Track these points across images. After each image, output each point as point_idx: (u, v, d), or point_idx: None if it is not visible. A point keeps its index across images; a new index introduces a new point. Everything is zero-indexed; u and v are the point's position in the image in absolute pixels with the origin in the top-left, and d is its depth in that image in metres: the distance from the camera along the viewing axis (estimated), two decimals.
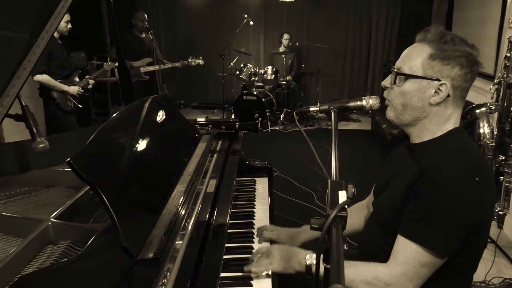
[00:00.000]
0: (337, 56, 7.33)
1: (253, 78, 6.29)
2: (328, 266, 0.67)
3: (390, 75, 1.24)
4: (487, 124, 2.25)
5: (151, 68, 5.14)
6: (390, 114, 1.27)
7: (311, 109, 1.32)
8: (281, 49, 6.81)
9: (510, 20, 2.06)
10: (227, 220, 1.32)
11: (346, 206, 0.65)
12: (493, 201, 1.16)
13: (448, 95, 1.16)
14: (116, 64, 4.26)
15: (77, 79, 4.01)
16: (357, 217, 1.57)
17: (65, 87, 3.85)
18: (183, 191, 1.36)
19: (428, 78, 1.15)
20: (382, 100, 1.28)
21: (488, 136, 2.25)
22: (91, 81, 4.11)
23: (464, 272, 1.21)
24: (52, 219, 1.25)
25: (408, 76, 1.18)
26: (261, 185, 2.09)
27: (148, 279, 0.94)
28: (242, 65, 6.32)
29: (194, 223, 1.24)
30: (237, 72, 6.32)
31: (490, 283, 2.58)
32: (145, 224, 1.12)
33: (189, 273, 1.01)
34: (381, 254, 1.18)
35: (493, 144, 2.23)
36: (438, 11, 6.49)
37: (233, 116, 6.38)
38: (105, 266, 1.02)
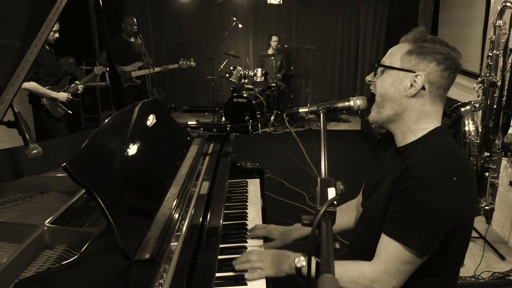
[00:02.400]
0: (326, 57, 7.40)
1: (243, 81, 6.32)
2: (319, 260, 0.70)
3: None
4: (471, 122, 2.31)
5: (142, 72, 5.15)
6: (372, 114, 1.31)
7: (300, 110, 1.35)
8: (270, 51, 6.86)
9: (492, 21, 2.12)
10: (221, 221, 1.35)
11: (335, 202, 0.68)
12: (473, 201, 1.19)
13: (424, 88, 1.20)
14: (107, 68, 4.26)
15: (67, 85, 4.01)
16: (347, 216, 1.61)
17: (53, 94, 3.84)
18: (176, 194, 1.38)
19: (404, 70, 1.21)
20: (369, 101, 1.32)
21: (473, 134, 2.30)
22: (81, 86, 4.10)
23: (448, 269, 1.24)
24: (47, 224, 1.26)
25: (386, 67, 1.25)
26: (253, 187, 2.12)
27: (144, 279, 0.96)
28: (231, 68, 6.35)
29: (188, 224, 1.26)
30: (227, 75, 6.34)
31: (479, 277, 2.64)
32: (140, 226, 1.15)
33: (185, 273, 1.03)
34: (371, 254, 1.21)
35: (478, 141, 2.29)
36: (425, 11, 6.59)
37: (223, 119, 6.40)
38: (102, 268, 1.04)
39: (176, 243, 1.16)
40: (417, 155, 1.17)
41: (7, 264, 1.08)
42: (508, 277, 2.63)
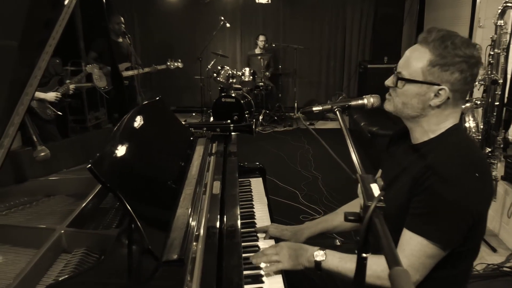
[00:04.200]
0: (313, 56, 7.45)
1: (230, 80, 6.31)
2: (366, 255, 0.72)
3: (393, 75, 1.29)
4: (472, 119, 2.37)
5: (130, 73, 5.08)
6: (388, 106, 1.32)
7: (314, 108, 1.36)
8: (257, 51, 6.87)
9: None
10: (238, 219, 1.36)
11: (382, 198, 0.69)
12: (491, 195, 1.23)
13: (448, 98, 1.20)
14: (99, 67, 4.21)
15: (56, 85, 3.94)
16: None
17: (41, 95, 3.76)
18: (191, 194, 1.37)
19: (427, 83, 1.20)
20: (382, 99, 1.33)
21: (473, 130, 2.36)
22: (72, 86, 4.04)
23: (465, 261, 1.28)
24: (65, 228, 1.24)
25: (408, 81, 1.23)
26: (256, 186, 2.13)
27: (175, 279, 0.96)
28: (219, 68, 6.33)
29: (207, 224, 1.26)
30: (215, 74, 6.32)
31: (474, 269, 2.71)
32: (163, 227, 1.14)
33: (212, 273, 1.03)
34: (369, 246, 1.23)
35: (480, 137, 2.36)
36: (410, 11, 6.70)
37: (211, 119, 6.38)
38: (131, 270, 1.03)
39: (196, 243, 1.16)
40: (438, 152, 1.19)
41: (28, 269, 1.06)
42: (502, 268, 2.71)
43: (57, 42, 1.21)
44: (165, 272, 0.98)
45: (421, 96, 1.22)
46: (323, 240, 1.77)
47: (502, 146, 2.22)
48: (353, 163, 0.92)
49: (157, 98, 1.81)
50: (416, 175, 1.19)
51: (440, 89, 1.19)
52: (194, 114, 7.14)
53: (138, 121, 1.43)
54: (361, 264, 0.72)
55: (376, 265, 1.19)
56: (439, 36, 1.19)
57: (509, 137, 2.53)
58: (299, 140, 5.92)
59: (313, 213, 3.63)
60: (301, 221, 3.57)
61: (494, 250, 2.96)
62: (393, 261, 0.56)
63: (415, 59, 1.22)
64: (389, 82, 1.31)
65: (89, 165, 0.98)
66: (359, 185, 0.77)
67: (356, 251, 0.78)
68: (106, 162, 1.05)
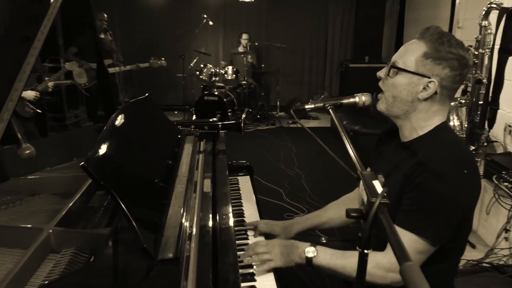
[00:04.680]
0: (295, 55, 7.49)
1: (213, 79, 6.27)
2: (366, 251, 0.73)
3: (386, 66, 1.31)
4: (456, 117, 2.42)
5: (112, 70, 5.00)
6: (381, 106, 1.34)
7: (306, 106, 1.36)
8: (240, 49, 6.85)
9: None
10: (231, 217, 1.35)
11: (385, 194, 0.70)
12: (479, 191, 1.26)
13: (436, 93, 1.23)
14: (78, 64, 4.12)
15: (35, 83, 3.84)
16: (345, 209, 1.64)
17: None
18: (183, 192, 1.36)
19: (418, 74, 1.22)
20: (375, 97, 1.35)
21: (458, 129, 2.42)
22: (51, 83, 3.94)
23: (452, 256, 1.31)
24: (53, 227, 1.21)
25: (400, 70, 1.25)
26: (245, 184, 2.12)
27: (172, 278, 0.95)
28: (202, 66, 6.29)
29: (200, 223, 1.25)
30: (197, 72, 6.28)
31: None
32: (156, 226, 1.12)
33: (208, 271, 1.02)
34: (380, 245, 1.24)
35: (464, 136, 2.41)
36: (391, 11, 6.80)
37: (194, 117, 6.33)
38: (126, 268, 1.02)
39: (189, 242, 1.15)
40: (428, 149, 1.21)
41: (17, 270, 1.03)
42: (481, 264, 2.78)
43: (45, 36, 1.18)
44: (161, 271, 0.96)
45: (411, 88, 1.24)
46: (308, 238, 1.78)
47: (486, 144, 2.28)
48: (352, 160, 0.92)
49: (145, 95, 1.78)
50: (408, 172, 1.21)
51: (430, 82, 1.21)
52: (176, 112, 7.08)
53: (128, 119, 1.40)
54: (363, 261, 0.72)
55: (368, 261, 1.21)
56: (436, 32, 1.23)
57: (490, 136, 2.61)
58: (282, 138, 5.94)
59: (297, 211, 3.65)
60: (286, 219, 3.60)
61: (473, 246, 3.03)
62: (403, 257, 0.57)
63: (411, 50, 1.25)
64: (381, 72, 1.33)
65: (83, 163, 0.96)
66: (360, 182, 0.77)
67: (356, 247, 0.78)
68: (98, 160, 1.03)
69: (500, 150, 2.94)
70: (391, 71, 1.27)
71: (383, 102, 1.32)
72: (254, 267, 1.30)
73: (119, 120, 1.32)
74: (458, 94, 2.61)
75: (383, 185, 0.74)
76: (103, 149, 1.07)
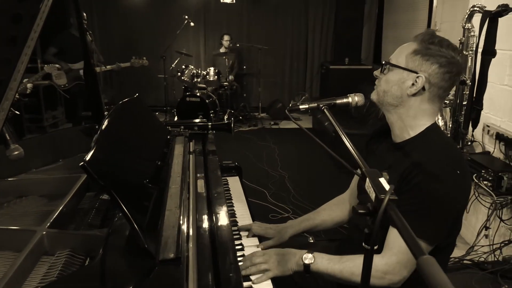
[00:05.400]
0: (276, 57, 7.52)
1: (195, 80, 6.24)
2: (368, 247, 0.74)
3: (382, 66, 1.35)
4: (441, 118, 2.50)
5: None
6: (373, 96, 1.38)
7: (301, 107, 1.38)
8: (222, 50, 6.84)
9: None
10: (228, 216, 1.35)
11: (393, 191, 0.71)
12: (470, 190, 1.30)
13: (424, 89, 1.26)
14: (58, 66, 4.03)
15: None
16: (339, 210, 1.67)
17: None
18: (178, 192, 1.35)
19: (407, 69, 1.26)
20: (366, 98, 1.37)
21: (442, 128, 2.49)
22: (29, 85, 3.84)
23: (444, 254, 1.35)
24: (46, 229, 1.18)
25: (391, 66, 1.30)
26: (234, 184, 2.12)
27: (174, 278, 0.94)
28: (183, 67, 6.25)
29: (196, 223, 1.24)
30: (179, 73, 6.23)
31: None
32: (155, 226, 1.12)
33: (209, 271, 1.02)
34: (378, 239, 1.27)
35: (448, 135, 2.48)
36: (370, 14, 6.92)
37: (176, 118, 6.28)
38: (129, 270, 1.00)
39: (187, 242, 1.14)
40: (422, 150, 1.24)
41: (12, 273, 1.01)
42: (462, 261, 2.86)
43: (38, 35, 1.16)
44: (162, 271, 0.96)
45: (401, 83, 1.28)
46: (297, 238, 1.79)
47: (469, 144, 2.36)
48: (355, 159, 0.93)
49: (135, 95, 1.76)
50: (403, 173, 1.23)
51: (418, 77, 1.25)
52: (157, 113, 7.00)
53: (121, 120, 1.39)
54: (369, 257, 0.74)
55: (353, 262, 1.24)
56: (429, 33, 1.28)
57: (469, 136, 2.68)
58: (264, 139, 5.96)
59: (281, 211, 3.67)
60: (271, 220, 3.61)
61: None
62: (418, 251, 0.58)
63: (403, 48, 1.30)
64: (377, 71, 1.37)
65: (82, 163, 0.94)
66: (367, 180, 0.79)
67: (363, 244, 0.79)
68: (97, 160, 1.01)
69: (479, 149, 3.03)
70: (385, 68, 1.32)
71: (375, 93, 1.37)
72: (252, 278, 1.29)
73: (112, 121, 1.30)
74: None
75: (388, 182, 0.76)
76: (100, 150, 1.06)
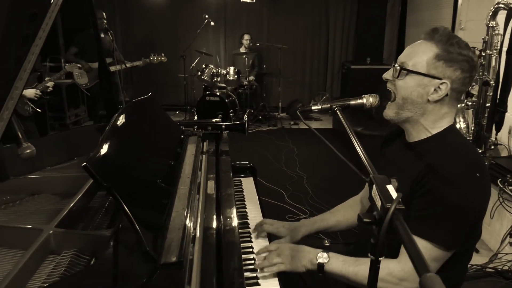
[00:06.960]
0: (297, 56, 7.46)
1: (215, 79, 6.24)
2: (374, 258, 0.70)
3: (392, 68, 1.28)
4: (462, 120, 2.40)
5: (112, 68, 4.96)
6: (389, 112, 1.30)
7: (313, 108, 1.34)
8: (242, 50, 6.83)
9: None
10: (236, 219, 1.32)
11: (400, 199, 0.67)
12: (490, 194, 1.23)
13: (446, 95, 1.21)
14: (79, 65, 4.09)
15: (36, 82, 3.81)
16: (353, 212, 1.62)
17: None
18: (186, 194, 1.33)
19: (431, 76, 1.20)
20: (381, 98, 1.32)
21: (464, 131, 2.40)
22: (51, 83, 3.91)
23: (463, 261, 1.28)
24: (54, 228, 1.18)
25: (411, 72, 1.22)
26: (248, 185, 2.09)
27: (175, 282, 0.92)
28: (203, 66, 6.27)
29: (205, 225, 1.22)
30: (199, 73, 6.25)
31: None
32: (158, 228, 1.10)
33: (212, 275, 1.00)
34: (389, 252, 1.21)
35: (470, 138, 2.39)
36: (392, 13, 6.78)
37: (195, 117, 6.30)
38: (129, 272, 0.99)
39: (192, 244, 1.12)
40: (438, 152, 1.19)
41: (16, 271, 1.00)
42: (485, 269, 2.75)
43: (47, 35, 1.15)
44: (164, 275, 0.93)
45: (421, 89, 1.22)
46: (312, 240, 1.76)
47: (492, 147, 2.26)
48: (363, 163, 0.89)
49: (148, 94, 1.75)
50: (417, 177, 1.18)
51: (442, 83, 1.19)
52: (177, 112, 7.05)
53: (131, 118, 1.38)
54: (375, 268, 0.69)
55: (380, 268, 1.17)
56: (445, 33, 1.21)
57: (493, 139, 2.58)
58: (283, 139, 5.92)
59: (299, 213, 3.62)
60: (288, 221, 3.56)
61: (477, 251, 3.00)
62: (422, 268, 0.54)
63: (421, 52, 1.22)
64: (387, 74, 1.29)
65: (84, 163, 0.93)
66: (373, 187, 0.74)
67: (368, 254, 0.75)
68: (100, 160, 1.00)
69: (504, 153, 2.91)
70: (400, 73, 1.24)
71: (392, 108, 1.29)
72: (259, 270, 1.27)
73: (122, 120, 1.29)
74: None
75: (396, 190, 0.71)
76: (105, 149, 1.05)
